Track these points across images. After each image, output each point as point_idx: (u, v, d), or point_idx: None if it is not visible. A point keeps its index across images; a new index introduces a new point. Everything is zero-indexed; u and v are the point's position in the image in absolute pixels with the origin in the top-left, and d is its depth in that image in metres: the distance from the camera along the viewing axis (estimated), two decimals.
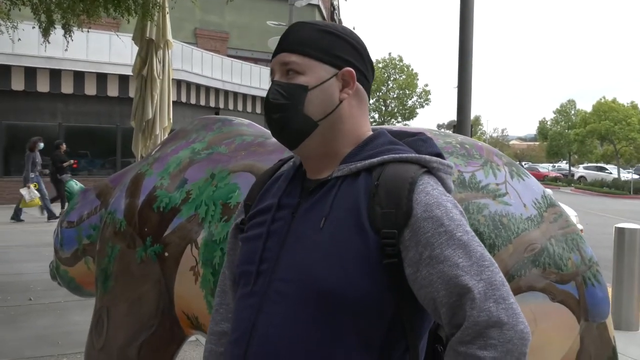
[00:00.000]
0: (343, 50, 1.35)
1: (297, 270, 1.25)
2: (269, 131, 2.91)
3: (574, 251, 2.09)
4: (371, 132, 1.39)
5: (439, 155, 1.32)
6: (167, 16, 9.86)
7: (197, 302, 2.46)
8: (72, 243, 3.20)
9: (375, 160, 1.28)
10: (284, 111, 1.32)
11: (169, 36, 10.04)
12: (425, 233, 1.18)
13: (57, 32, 10.19)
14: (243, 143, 2.71)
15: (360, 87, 1.38)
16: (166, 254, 2.56)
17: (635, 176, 37.50)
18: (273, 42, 17.67)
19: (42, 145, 14.37)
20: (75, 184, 3.40)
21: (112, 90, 18.52)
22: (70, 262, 3.24)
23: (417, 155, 1.29)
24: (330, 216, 1.25)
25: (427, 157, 1.29)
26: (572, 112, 48.62)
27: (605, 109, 38.34)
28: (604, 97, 40.66)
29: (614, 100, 39.11)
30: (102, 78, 18.24)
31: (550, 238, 2.07)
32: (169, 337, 2.66)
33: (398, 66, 46.71)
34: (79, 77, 17.91)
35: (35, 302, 6.47)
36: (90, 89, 18.22)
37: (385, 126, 1.46)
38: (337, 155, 1.35)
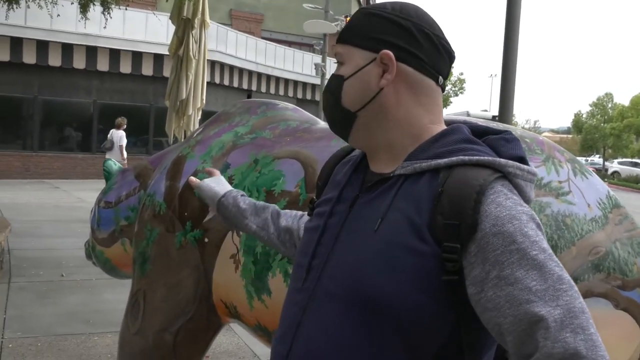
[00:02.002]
0: (384, 31, 1.20)
1: (346, 271, 1.16)
2: (314, 117, 2.84)
3: (637, 256, 1.96)
4: (442, 126, 1.25)
5: (522, 159, 1.15)
6: None
7: (236, 290, 2.39)
8: (109, 224, 3.16)
9: (441, 161, 1.13)
10: (329, 105, 1.28)
11: (207, 16, 10.00)
12: (494, 250, 1.03)
13: (95, 9, 10.20)
14: (288, 129, 2.62)
15: (411, 70, 1.20)
16: (206, 239, 2.49)
17: None
18: (309, 26, 17.55)
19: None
20: (114, 164, 3.36)
21: (147, 69, 18.61)
22: (107, 242, 3.20)
23: (489, 157, 1.12)
24: (387, 218, 1.14)
25: (503, 160, 1.11)
26: (609, 105, 47.49)
27: None
28: None
29: None
30: (137, 56, 18.33)
31: (615, 241, 1.94)
32: (205, 325, 2.61)
33: None
34: (114, 54, 18.02)
35: (67, 278, 6.51)
36: (126, 67, 18.33)
37: (470, 119, 1.32)
38: (397, 149, 1.22)
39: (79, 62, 17.72)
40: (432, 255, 1.07)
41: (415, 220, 1.11)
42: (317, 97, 24.83)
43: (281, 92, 24.38)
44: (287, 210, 1.72)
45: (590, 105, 48.51)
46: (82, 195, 13.77)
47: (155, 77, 18.69)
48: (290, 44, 26.57)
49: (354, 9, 30.56)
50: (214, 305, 2.56)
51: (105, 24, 10.04)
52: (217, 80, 20.23)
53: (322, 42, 19.46)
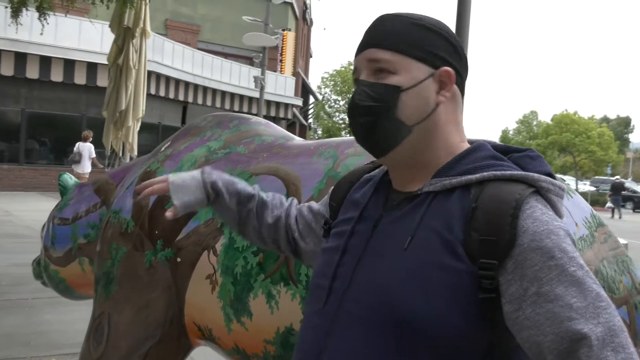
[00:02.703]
0: (439, 47, 1.19)
1: (374, 293, 1.12)
2: (288, 132, 2.78)
3: (624, 274, 2.00)
4: (467, 144, 1.24)
5: (550, 175, 1.15)
6: (146, 4, 9.58)
7: (212, 312, 2.29)
8: (65, 241, 2.98)
9: (473, 177, 1.12)
10: (373, 115, 1.18)
11: (147, 25, 9.78)
12: (533, 266, 1.01)
13: (29, 14, 9.79)
14: (263, 144, 2.55)
15: (457, 89, 1.22)
16: (179, 259, 2.38)
17: (592, 188, 38.44)
18: (248, 38, 17.46)
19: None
20: (69, 178, 3.19)
21: (80, 78, 18.03)
22: (62, 262, 3.02)
23: (522, 172, 1.11)
24: (417, 236, 1.11)
25: (535, 175, 1.11)
26: (534, 122, 49.54)
27: (567, 122, 39.16)
28: (566, 110, 41.59)
29: (575, 113, 39.97)
30: (69, 64, 17.73)
31: (603, 260, 1.97)
32: (175, 348, 2.48)
33: None
34: (45, 62, 17.37)
35: (0, 298, 6.14)
36: (57, 76, 17.70)
37: (488, 139, 1.31)
38: (428, 167, 1.20)
39: (7, 69, 16.99)
40: (467, 273, 1.04)
41: (447, 237, 1.08)
42: (254, 110, 24.70)
43: (218, 105, 24.11)
44: (273, 199, 1.64)
45: (517, 123, 50.47)
46: (10, 208, 13.15)
47: (89, 86, 18.12)
48: (226, 55, 26.36)
49: (291, 22, 30.71)
50: (185, 328, 2.45)
51: (42, 30, 9.62)
52: (152, 91, 19.81)
53: (261, 55, 19.37)
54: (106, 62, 10.01)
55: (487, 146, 1.22)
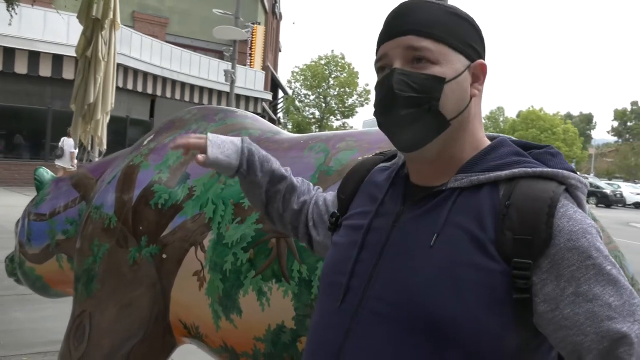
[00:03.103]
0: (473, 38, 1.16)
1: (399, 291, 1.08)
2: (274, 126, 2.73)
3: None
4: (486, 138, 1.22)
5: (573, 171, 1.13)
6: None
7: (199, 310, 2.23)
8: (42, 238, 2.89)
9: (502, 173, 1.09)
10: (415, 106, 1.10)
11: (117, 17, 9.57)
12: (570, 266, 0.99)
13: None
14: (250, 137, 2.48)
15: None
16: (164, 255, 2.31)
17: None
18: (218, 31, 17.27)
19: None
20: (46, 172, 3.08)
21: (45, 70, 17.59)
22: (39, 258, 2.93)
23: (553, 169, 1.09)
24: (443, 233, 1.07)
25: (565, 172, 1.09)
26: (501, 119, 50.22)
27: (533, 118, 39.79)
28: (532, 106, 42.24)
29: (541, 109, 40.62)
30: (34, 56, 17.28)
31: None
32: (159, 346, 2.42)
33: (340, 64, 46.65)
34: (9, 53, 16.91)
35: None
36: (21, 67, 17.23)
37: (504, 135, 1.28)
38: (452, 161, 1.16)
39: None
40: (500, 273, 1.02)
41: (478, 235, 1.04)
42: (224, 104, 24.48)
43: (187, 98, 23.82)
44: (302, 185, 1.62)
45: (484, 118, 51.09)
46: None
47: (54, 78, 17.69)
48: (195, 49, 26.04)
49: (260, 16, 30.52)
50: (170, 325, 2.39)
51: (10, 21, 9.34)
52: (120, 84, 19.46)
53: (231, 48, 19.18)
54: (72, 54, 9.78)
55: (508, 141, 1.19)
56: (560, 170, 1.09)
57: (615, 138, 75.07)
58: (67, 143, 14.01)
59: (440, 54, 1.12)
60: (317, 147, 2.24)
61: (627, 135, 71.23)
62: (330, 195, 1.55)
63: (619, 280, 1.00)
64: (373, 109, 1.20)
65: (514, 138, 1.26)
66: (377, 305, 1.10)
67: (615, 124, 73.54)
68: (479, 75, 1.16)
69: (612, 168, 59.52)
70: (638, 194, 35.52)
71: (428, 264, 1.06)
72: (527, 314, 1.03)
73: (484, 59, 1.19)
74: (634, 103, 72.18)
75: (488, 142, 1.20)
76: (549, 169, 1.09)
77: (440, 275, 1.04)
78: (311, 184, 1.64)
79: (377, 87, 1.17)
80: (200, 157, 1.45)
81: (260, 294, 2.07)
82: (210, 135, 1.50)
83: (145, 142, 2.68)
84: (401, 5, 1.18)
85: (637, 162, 54.42)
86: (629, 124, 71.65)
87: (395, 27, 1.15)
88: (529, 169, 1.09)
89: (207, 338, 2.27)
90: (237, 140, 1.53)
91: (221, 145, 1.49)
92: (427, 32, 1.12)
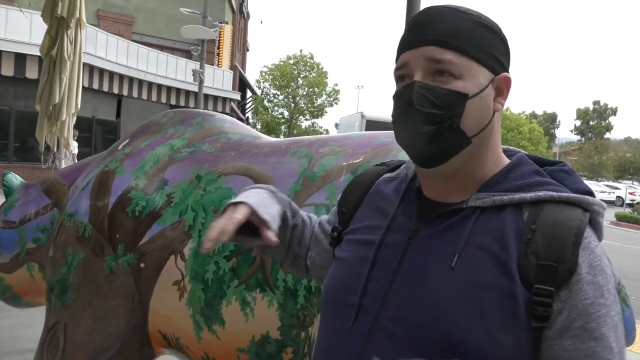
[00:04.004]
0: (498, 50, 1.10)
1: (417, 312, 1.03)
2: (254, 130, 2.67)
3: None
4: (503, 154, 1.17)
5: (590, 193, 1.09)
6: None
7: (180, 320, 2.17)
8: (11, 246, 2.78)
9: (527, 195, 1.05)
10: (435, 123, 1.04)
11: (83, 15, 9.37)
12: (585, 299, 0.97)
13: None
14: (229, 142, 2.43)
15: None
16: (142, 264, 2.24)
17: None
18: (186, 31, 17.06)
19: None
20: (15, 178, 2.97)
21: (7, 69, 17.11)
22: (8, 268, 2.82)
23: (578, 196, 1.05)
24: (464, 253, 1.03)
25: (590, 198, 1.05)
26: None
27: None
28: None
29: (507, 109, 41.16)
30: None
31: None
32: (137, 358, 2.34)
33: (309, 63, 46.38)
34: None
35: None
36: None
37: (520, 150, 1.23)
38: (473, 178, 1.11)
39: None
40: (521, 298, 0.98)
41: (502, 257, 1.00)
42: (192, 104, 24.22)
43: (154, 98, 23.49)
44: (308, 217, 1.50)
45: None
46: None
47: (17, 78, 17.23)
48: (162, 48, 25.69)
49: (228, 15, 30.28)
50: (148, 336, 2.31)
51: None
52: (86, 83, 19.08)
53: (199, 47, 18.97)
54: (36, 53, 9.54)
55: (527, 159, 1.15)
56: (586, 197, 1.05)
57: (579, 137, 76.54)
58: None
59: (463, 67, 1.06)
60: (299, 152, 2.20)
61: (590, 134, 72.68)
62: (325, 217, 1.47)
63: (619, 328, 0.99)
64: (392, 119, 1.13)
65: (527, 153, 1.22)
66: (393, 327, 1.05)
67: (578, 123, 74.99)
68: (502, 89, 1.11)
69: (576, 166, 60.65)
70: (602, 192, 36.27)
71: (448, 286, 1.02)
72: (540, 342, 1.00)
73: (508, 72, 1.13)
74: (596, 102, 73.69)
75: (505, 158, 1.16)
76: (575, 195, 1.05)
77: (461, 298, 1.00)
78: (306, 214, 1.51)
79: (395, 98, 1.11)
80: (269, 234, 1.19)
81: (244, 304, 2.01)
82: (246, 200, 1.23)
83: (121, 147, 2.60)
84: (425, 12, 1.11)
85: (600, 161, 55.61)
86: (591, 123, 73.10)
87: (417, 35, 1.09)
88: (554, 194, 1.04)
89: (188, 349, 2.21)
90: (263, 191, 1.36)
91: (263, 201, 1.28)
92: (451, 43, 1.06)
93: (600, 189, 36.85)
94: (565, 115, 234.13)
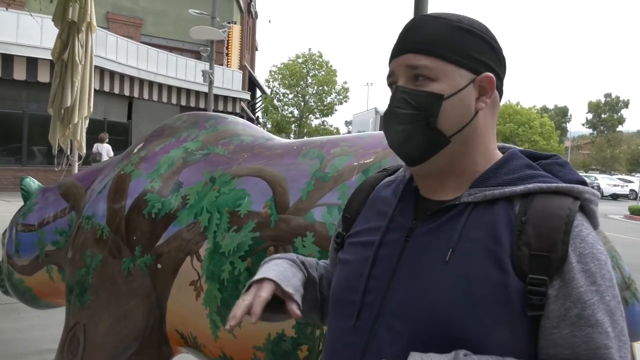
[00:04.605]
0: (479, 51, 1.14)
1: (417, 307, 1.07)
2: (266, 132, 2.72)
3: (614, 269, 2.01)
4: (497, 150, 1.21)
5: (584, 183, 1.12)
6: None
7: (197, 320, 2.21)
8: (31, 249, 2.84)
9: (517, 188, 1.08)
10: (411, 123, 1.11)
11: (94, 19, 9.45)
12: (579, 287, 1.00)
13: None
14: (242, 144, 2.48)
15: (497, 94, 1.17)
16: (159, 265, 2.29)
17: None
18: (195, 32, 17.14)
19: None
20: (32, 182, 3.03)
21: (19, 74, 17.30)
22: (28, 270, 2.88)
23: (568, 185, 1.08)
24: (458, 248, 1.06)
25: (580, 187, 1.08)
26: None
27: (510, 112, 40.11)
28: (508, 101, 42.59)
29: (517, 104, 41.01)
30: (8, 60, 16.99)
31: None
32: (155, 357, 2.39)
33: (318, 62, 46.50)
34: None
35: None
36: None
37: (513, 146, 1.27)
38: (464, 174, 1.15)
39: None
40: (515, 289, 1.01)
41: (494, 250, 1.04)
42: (202, 104, 24.33)
43: (164, 99, 23.63)
44: (317, 264, 1.44)
45: None
46: None
47: (29, 82, 17.42)
48: (171, 49, 25.83)
49: (236, 15, 30.36)
50: (166, 336, 2.37)
51: None
52: (97, 86, 19.21)
53: (208, 48, 19.06)
54: (47, 57, 9.64)
55: (519, 153, 1.18)
56: (576, 185, 1.08)
57: (590, 130, 76.15)
58: (103, 148, 14.08)
59: (439, 70, 1.11)
60: (311, 153, 2.24)
61: (602, 127, 72.28)
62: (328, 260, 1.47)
63: (615, 313, 1.01)
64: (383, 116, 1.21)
65: (521, 149, 1.26)
66: (394, 322, 1.09)
67: (590, 116, 74.59)
68: (486, 88, 1.14)
69: (589, 160, 60.34)
70: (615, 185, 36.08)
71: (444, 280, 1.05)
72: (536, 330, 1.03)
73: (499, 71, 1.17)
74: (607, 95, 73.28)
75: (499, 154, 1.19)
76: (564, 185, 1.08)
77: (456, 292, 1.03)
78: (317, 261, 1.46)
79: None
80: (294, 308, 1.18)
81: None
82: (268, 275, 1.22)
83: (136, 150, 2.65)
84: (409, 22, 1.18)
85: (613, 154, 55.29)
86: (603, 116, 72.72)
87: (399, 44, 1.17)
88: (543, 185, 1.08)
89: (206, 348, 2.25)
90: (276, 262, 1.32)
91: (284, 276, 1.25)
92: (425, 49, 1.12)
93: (614, 183, 36.63)
94: (577, 108, 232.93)
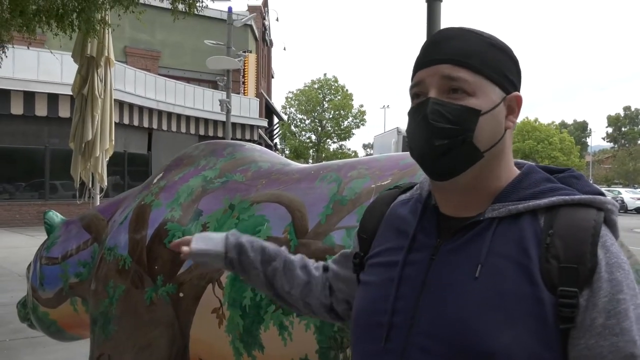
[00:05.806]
0: (510, 70, 1.15)
1: (449, 327, 1.05)
2: (283, 157, 2.74)
3: (638, 283, 1.99)
4: (514, 166, 1.21)
5: (602, 194, 1.13)
6: (109, 33, 9.44)
7: (221, 347, 2.21)
8: (55, 282, 2.87)
9: (541, 202, 1.08)
10: (449, 137, 1.09)
11: (112, 54, 9.64)
12: (604, 297, 1.00)
13: None
14: (260, 170, 2.50)
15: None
16: (181, 294, 2.30)
17: None
18: (212, 62, 17.37)
19: None
20: (55, 215, 3.07)
21: (41, 110, 17.67)
22: (53, 303, 2.91)
23: (590, 196, 1.09)
24: (486, 263, 1.06)
25: (602, 197, 1.09)
26: None
27: (528, 129, 39.91)
28: (527, 117, 42.38)
29: (536, 120, 40.79)
30: (29, 96, 17.36)
31: None
32: None
33: (333, 87, 46.79)
34: (4, 95, 17.00)
35: None
36: (17, 108, 17.31)
37: (528, 162, 1.28)
38: (486, 190, 1.15)
39: None
40: (547, 302, 1.01)
41: (525, 264, 1.04)
42: (220, 133, 24.55)
43: (183, 130, 23.92)
44: (301, 259, 1.56)
45: None
46: None
47: (50, 117, 17.77)
48: (188, 80, 26.24)
49: (251, 44, 30.76)
50: None
51: (0, 63, 9.38)
52: (116, 119, 19.44)
53: (225, 78, 19.29)
54: (68, 93, 9.82)
55: (536, 168, 1.19)
56: (597, 197, 1.09)
57: (611, 144, 75.38)
58: None
59: (476, 85, 1.11)
60: (328, 177, 2.24)
61: (623, 141, 71.53)
62: (333, 260, 1.53)
63: None
64: (406, 135, 1.20)
65: (537, 164, 1.26)
66: (426, 342, 1.08)
67: (610, 130, 73.91)
68: (514, 108, 1.16)
69: (611, 174, 59.62)
70: (639, 199, 35.54)
71: (475, 296, 1.05)
72: (566, 342, 1.02)
73: (519, 91, 1.18)
74: (626, 108, 72.63)
75: (517, 170, 1.20)
76: (587, 197, 1.08)
77: (488, 307, 1.03)
78: (307, 258, 1.59)
79: (410, 114, 1.16)
80: (184, 249, 1.51)
81: (282, 329, 2.05)
82: (196, 234, 1.58)
83: (155, 181, 2.68)
84: (440, 33, 1.17)
85: (635, 167, 54.56)
86: (623, 129, 72.02)
87: (433, 54, 1.14)
88: (567, 197, 1.08)
89: None
90: (222, 233, 1.58)
91: (206, 237, 1.55)
92: (464, 62, 1.11)
93: (638, 196, 36.09)
94: (596, 122, 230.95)
